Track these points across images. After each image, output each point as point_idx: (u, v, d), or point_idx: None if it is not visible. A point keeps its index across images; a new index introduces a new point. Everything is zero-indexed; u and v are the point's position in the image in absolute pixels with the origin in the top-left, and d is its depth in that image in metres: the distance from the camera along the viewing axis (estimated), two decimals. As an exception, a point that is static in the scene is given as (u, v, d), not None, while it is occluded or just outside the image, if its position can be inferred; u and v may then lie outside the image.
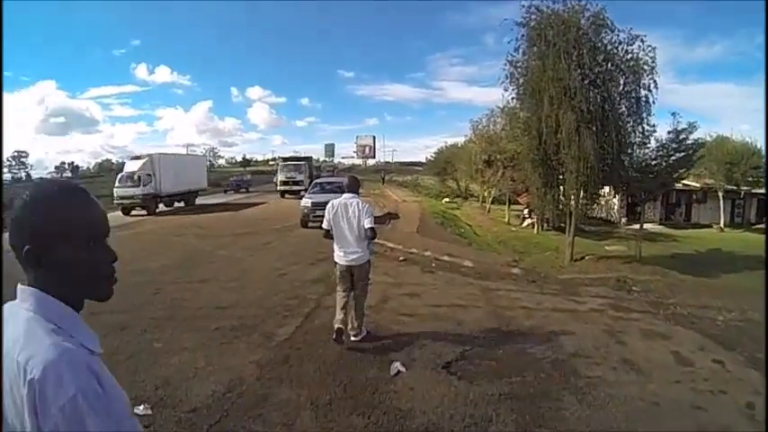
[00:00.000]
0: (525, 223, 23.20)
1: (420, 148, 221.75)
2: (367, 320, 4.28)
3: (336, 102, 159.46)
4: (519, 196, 23.08)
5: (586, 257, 12.22)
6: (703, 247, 16.38)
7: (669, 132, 10.54)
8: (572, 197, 10.41)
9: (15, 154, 64.01)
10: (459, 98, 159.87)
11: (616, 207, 24.82)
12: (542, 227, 20.39)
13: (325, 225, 4.03)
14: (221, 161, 77.59)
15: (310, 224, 12.54)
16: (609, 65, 9.54)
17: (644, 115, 9.94)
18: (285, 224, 13.39)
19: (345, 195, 4.00)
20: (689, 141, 10.67)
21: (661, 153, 10.80)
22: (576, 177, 9.45)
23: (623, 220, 24.94)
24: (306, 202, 12.78)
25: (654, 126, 10.37)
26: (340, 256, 3.99)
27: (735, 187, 23.72)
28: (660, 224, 24.39)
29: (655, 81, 9.73)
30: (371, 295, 4.57)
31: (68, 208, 0.76)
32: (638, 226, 23.30)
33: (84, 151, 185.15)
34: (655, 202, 22.11)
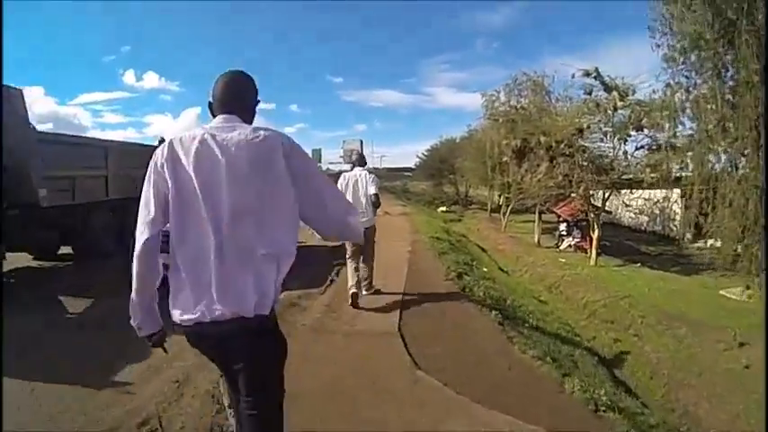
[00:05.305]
0: (564, 244, 15.67)
1: (409, 154, 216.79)
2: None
3: (326, 108, 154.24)
4: (558, 204, 15.46)
5: None
6: None
7: None
8: None
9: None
10: (449, 104, 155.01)
11: (678, 216, 16.96)
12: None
13: None
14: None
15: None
16: None
17: None
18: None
19: (357, 169, 4.63)
20: None
21: None
22: None
23: (688, 236, 16.90)
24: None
25: None
26: None
27: None
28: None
29: None
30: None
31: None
32: (711, 242, 15.87)
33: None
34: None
